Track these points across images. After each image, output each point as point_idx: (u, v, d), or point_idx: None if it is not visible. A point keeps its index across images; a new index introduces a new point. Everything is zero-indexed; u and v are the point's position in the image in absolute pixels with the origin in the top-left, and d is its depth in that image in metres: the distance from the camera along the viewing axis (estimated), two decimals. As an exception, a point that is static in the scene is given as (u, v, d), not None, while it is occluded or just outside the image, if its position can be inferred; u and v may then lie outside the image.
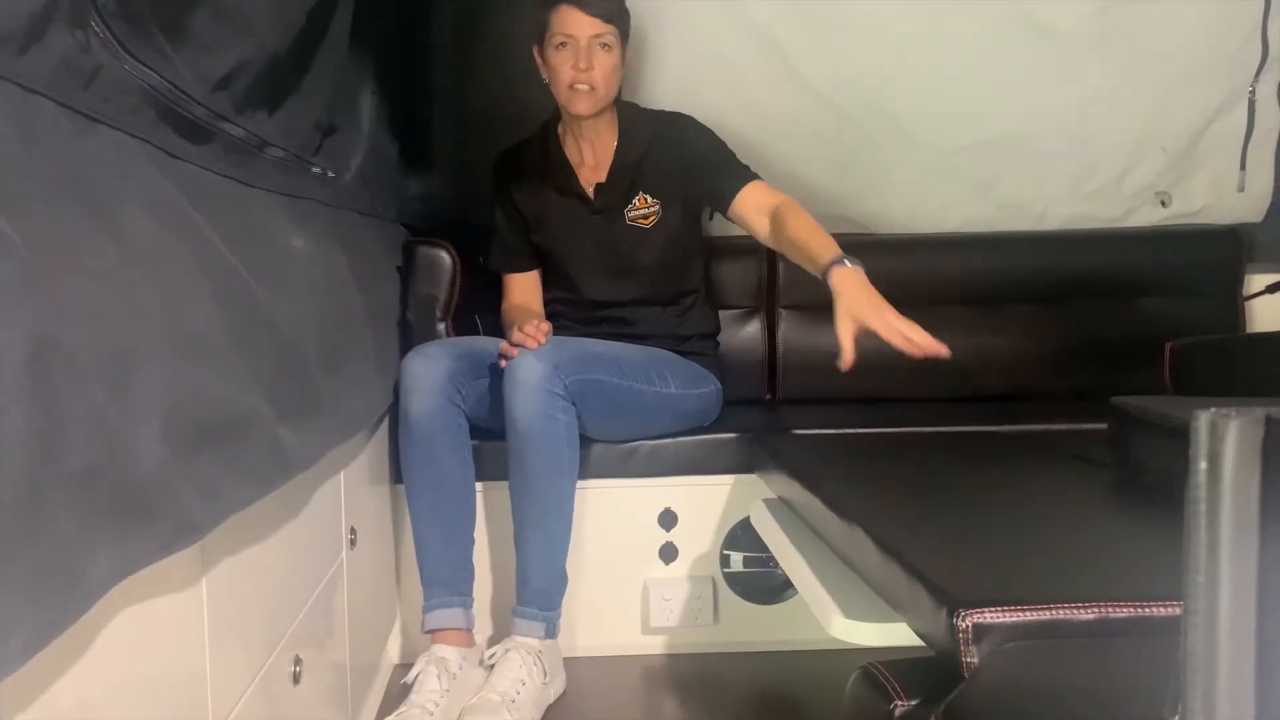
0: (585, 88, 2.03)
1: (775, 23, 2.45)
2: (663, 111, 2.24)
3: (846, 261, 1.80)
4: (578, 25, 2.01)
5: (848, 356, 1.71)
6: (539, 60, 2.10)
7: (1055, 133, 2.55)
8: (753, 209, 2.07)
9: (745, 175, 2.11)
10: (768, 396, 2.58)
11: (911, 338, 1.70)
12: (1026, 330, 2.58)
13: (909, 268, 2.59)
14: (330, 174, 1.67)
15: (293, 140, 1.44)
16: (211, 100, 1.09)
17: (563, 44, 2.02)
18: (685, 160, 2.14)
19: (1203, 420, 0.45)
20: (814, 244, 1.88)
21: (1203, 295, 2.60)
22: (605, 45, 2.03)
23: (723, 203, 2.11)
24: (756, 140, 2.50)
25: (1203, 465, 0.45)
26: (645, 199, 2.16)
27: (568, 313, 2.24)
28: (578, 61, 2.02)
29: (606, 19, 2.03)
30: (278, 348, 1.16)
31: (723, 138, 2.18)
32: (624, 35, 2.08)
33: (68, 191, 0.76)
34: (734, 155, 2.16)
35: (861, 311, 1.72)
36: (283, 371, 1.17)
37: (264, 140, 1.29)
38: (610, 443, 2.10)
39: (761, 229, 2.06)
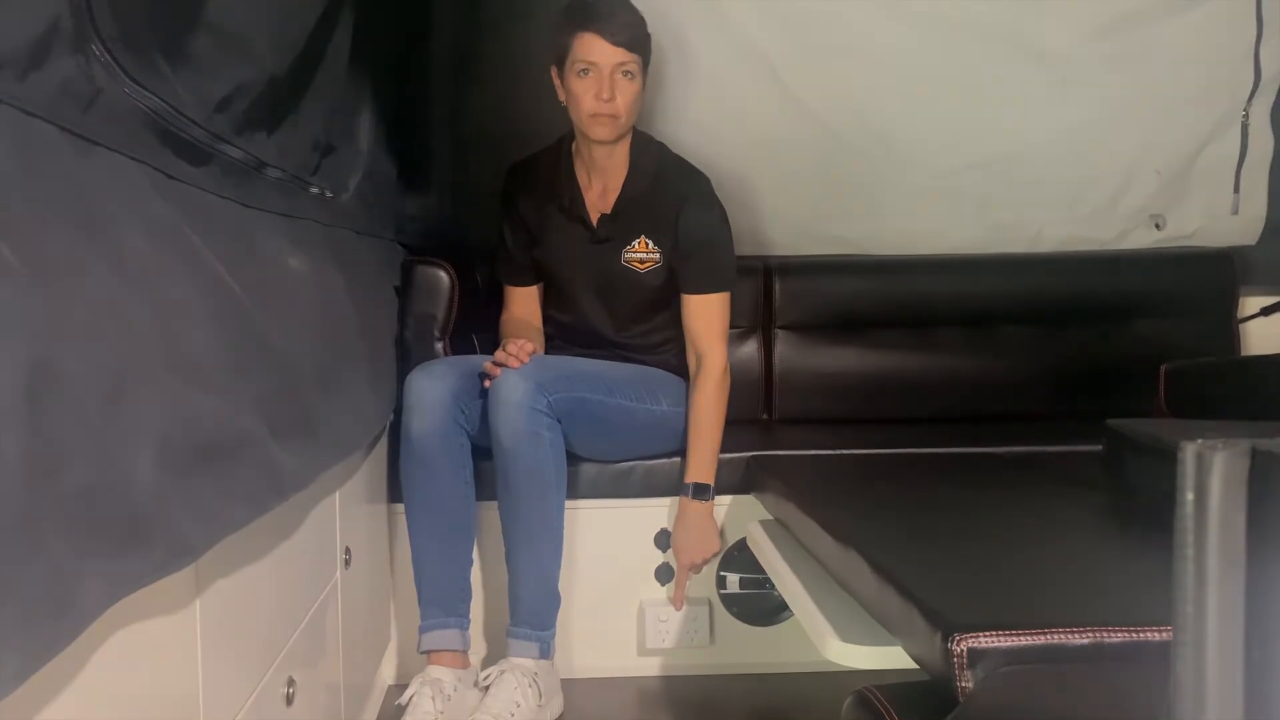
0: (608, 116, 2.01)
1: (769, 44, 2.46)
2: (683, 162, 2.17)
3: (691, 491, 2.03)
4: (601, 53, 1.97)
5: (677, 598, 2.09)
6: (556, 82, 2.05)
7: (1049, 155, 2.56)
8: (689, 324, 2.12)
9: (707, 284, 2.10)
10: (764, 416, 2.58)
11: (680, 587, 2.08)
12: (1021, 352, 2.59)
13: (903, 289, 2.60)
14: (328, 194, 1.67)
15: (291, 160, 1.44)
16: (211, 122, 1.10)
17: (585, 71, 1.98)
18: (679, 232, 2.10)
19: (1189, 452, 0.45)
20: (692, 450, 2.05)
21: (1197, 318, 2.60)
22: (628, 73, 2.00)
23: (680, 289, 2.13)
24: (750, 162, 2.51)
25: (1189, 497, 0.45)
26: (647, 243, 2.12)
27: (562, 333, 2.24)
28: (601, 90, 1.97)
29: (630, 47, 1.99)
30: (274, 368, 1.16)
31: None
32: (646, 63, 2.05)
33: (66, 214, 0.77)
34: (719, 254, 2.12)
35: (680, 556, 2.05)
36: (278, 392, 1.17)
37: (262, 161, 1.29)
38: (605, 463, 2.10)
39: (689, 357, 2.14)
